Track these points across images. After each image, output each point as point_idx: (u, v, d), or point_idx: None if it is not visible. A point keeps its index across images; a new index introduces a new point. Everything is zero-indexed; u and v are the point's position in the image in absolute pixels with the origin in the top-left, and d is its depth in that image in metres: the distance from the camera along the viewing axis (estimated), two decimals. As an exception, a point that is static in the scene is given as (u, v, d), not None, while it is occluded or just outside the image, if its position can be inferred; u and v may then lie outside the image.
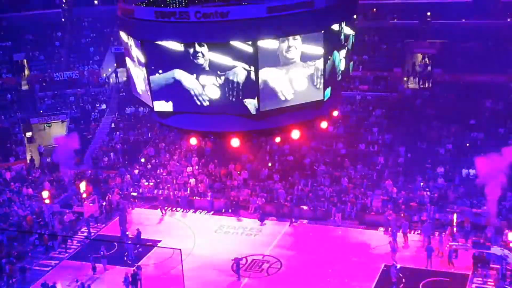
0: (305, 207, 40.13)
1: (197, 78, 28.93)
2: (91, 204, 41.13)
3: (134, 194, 43.73)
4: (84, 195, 41.11)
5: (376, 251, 35.44)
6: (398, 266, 32.28)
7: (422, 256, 34.13)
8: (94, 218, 40.75)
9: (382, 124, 46.28)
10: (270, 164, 44.50)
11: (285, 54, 28.54)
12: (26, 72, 56.64)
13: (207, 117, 30.26)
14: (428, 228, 35.82)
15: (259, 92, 28.51)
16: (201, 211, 42.04)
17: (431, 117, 45.77)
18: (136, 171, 45.94)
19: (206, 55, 28.07)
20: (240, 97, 28.83)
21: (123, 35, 31.86)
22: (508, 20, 49.79)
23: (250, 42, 27.46)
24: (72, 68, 56.40)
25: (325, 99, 30.67)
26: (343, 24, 30.91)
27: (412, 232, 36.97)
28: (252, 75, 28.12)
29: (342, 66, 32.43)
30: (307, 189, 41.59)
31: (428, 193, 39.41)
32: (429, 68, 50.41)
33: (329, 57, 30.07)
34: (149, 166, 46.61)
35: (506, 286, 31.08)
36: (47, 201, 39.80)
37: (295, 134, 32.31)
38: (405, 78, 49.84)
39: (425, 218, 37.32)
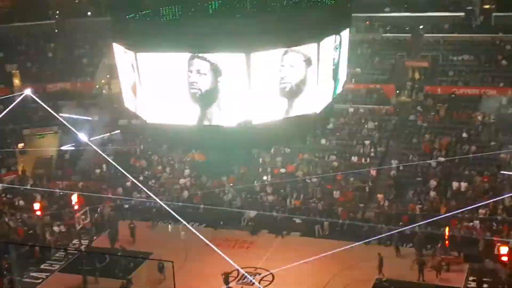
0: (297, 220, 40.10)
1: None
2: (82, 216, 41.00)
3: (126, 206, 43.60)
4: (76, 207, 40.99)
5: (368, 264, 35.39)
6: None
7: (414, 269, 34.11)
8: (85, 230, 40.59)
9: (374, 137, 46.39)
10: (264, 178, 44.50)
11: (278, 66, 28.48)
12: (19, 83, 56.43)
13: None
14: (420, 241, 35.84)
15: (252, 104, 28.44)
16: (193, 223, 41.94)
17: (423, 130, 45.92)
18: (128, 183, 45.80)
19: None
20: (235, 109, 28.70)
21: (116, 46, 31.81)
22: (500, 34, 50.10)
23: (243, 54, 27.41)
24: (65, 79, 56.24)
25: (318, 112, 30.62)
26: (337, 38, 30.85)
27: (404, 245, 37.00)
28: (246, 87, 28.04)
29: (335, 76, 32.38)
30: (299, 202, 41.61)
31: (420, 206, 39.47)
32: (421, 81, 50.59)
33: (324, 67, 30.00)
34: (141, 178, 46.50)
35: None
36: (38, 212, 39.64)
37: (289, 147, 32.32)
38: (397, 91, 49.98)
39: (417, 231, 37.34)
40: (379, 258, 33.98)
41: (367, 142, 45.96)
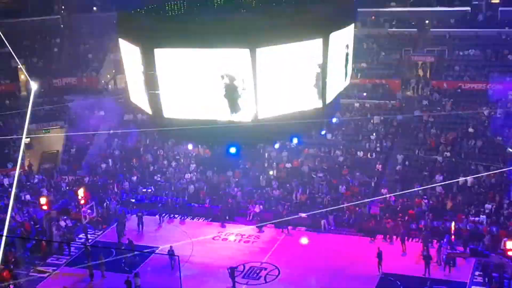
0: (303, 215, 40.11)
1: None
2: (89, 211, 41.08)
3: (132, 200, 43.71)
4: (82, 202, 41.08)
5: (374, 259, 35.35)
6: None
7: (420, 264, 34.12)
8: (91, 224, 40.70)
9: (380, 132, 46.35)
10: (271, 173, 44.49)
11: (283, 60, 28.45)
12: (24, 78, 56.51)
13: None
14: (426, 236, 35.83)
15: (258, 99, 28.42)
16: (199, 217, 42.02)
17: (429, 124, 45.83)
18: (134, 178, 45.91)
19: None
20: (239, 104, 28.69)
21: (121, 41, 31.84)
22: (506, 28, 49.97)
23: (248, 49, 27.38)
24: (71, 74, 56.33)
25: (324, 107, 30.59)
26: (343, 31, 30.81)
27: (410, 240, 37.00)
28: (251, 82, 28.02)
29: (341, 72, 32.35)
30: (305, 197, 41.62)
31: (426, 201, 39.44)
32: (427, 75, 50.50)
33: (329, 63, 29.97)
34: (147, 173, 46.60)
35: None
36: (44, 207, 39.73)
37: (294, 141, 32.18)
38: (403, 86, 49.90)
39: (423, 226, 37.34)
40: (378, 253, 33.95)
41: (373, 137, 45.94)
